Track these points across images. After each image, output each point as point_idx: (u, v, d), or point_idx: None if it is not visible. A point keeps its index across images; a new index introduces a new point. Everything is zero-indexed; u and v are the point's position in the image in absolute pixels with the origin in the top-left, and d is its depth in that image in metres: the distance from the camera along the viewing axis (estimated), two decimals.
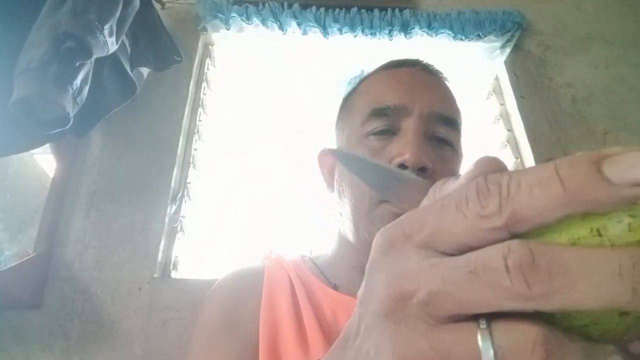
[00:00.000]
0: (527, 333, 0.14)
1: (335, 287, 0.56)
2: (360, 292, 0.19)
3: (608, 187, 0.14)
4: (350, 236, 0.56)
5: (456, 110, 0.60)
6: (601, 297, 0.13)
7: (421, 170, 0.49)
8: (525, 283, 0.14)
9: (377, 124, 0.55)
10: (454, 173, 0.55)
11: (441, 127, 0.55)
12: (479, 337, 0.14)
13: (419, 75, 0.59)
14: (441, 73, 0.63)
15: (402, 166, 0.50)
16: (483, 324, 0.14)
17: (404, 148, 0.50)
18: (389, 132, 0.54)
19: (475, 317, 0.15)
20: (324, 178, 0.65)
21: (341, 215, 0.58)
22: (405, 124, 0.53)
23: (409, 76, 0.59)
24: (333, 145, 0.66)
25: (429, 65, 0.63)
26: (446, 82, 0.63)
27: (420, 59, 0.63)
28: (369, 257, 0.19)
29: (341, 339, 0.21)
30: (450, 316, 0.15)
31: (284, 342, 0.49)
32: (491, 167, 0.17)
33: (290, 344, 0.48)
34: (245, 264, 0.65)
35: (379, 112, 0.55)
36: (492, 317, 0.15)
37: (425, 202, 0.20)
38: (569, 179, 0.14)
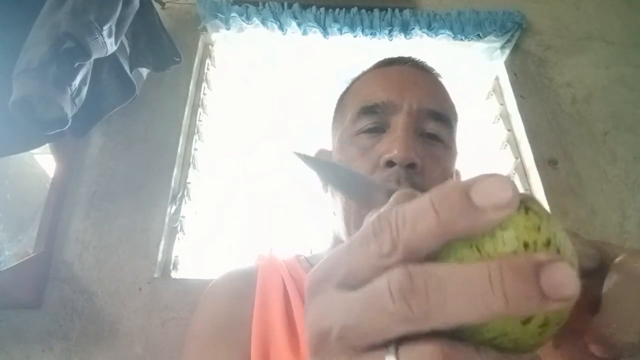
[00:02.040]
0: (427, 351, 0.15)
1: None
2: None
3: (476, 213, 0.15)
4: (342, 234, 0.56)
5: (448, 107, 0.59)
6: (477, 308, 0.14)
7: (410, 167, 0.49)
8: (407, 305, 0.15)
9: (366, 122, 0.54)
10: (445, 169, 0.54)
11: (431, 123, 0.54)
12: None
13: (409, 72, 0.59)
14: (433, 70, 0.63)
15: (391, 163, 0.49)
16: (391, 349, 0.15)
17: (392, 145, 0.50)
18: (379, 130, 0.54)
19: (388, 344, 0.16)
20: (320, 179, 0.65)
21: (334, 215, 0.58)
22: (394, 120, 0.53)
23: (399, 73, 0.59)
24: (329, 146, 0.66)
25: (420, 62, 0.62)
26: (439, 79, 0.62)
27: (413, 56, 0.62)
28: None
29: None
30: (366, 345, 0.16)
31: (275, 345, 0.48)
32: (404, 199, 0.19)
33: (282, 346, 0.47)
34: (239, 265, 0.65)
35: (368, 110, 0.55)
36: (401, 341, 0.16)
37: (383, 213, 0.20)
38: (443, 210, 0.15)
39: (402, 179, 0.48)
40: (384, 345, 0.16)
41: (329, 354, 0.17)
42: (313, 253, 0.66)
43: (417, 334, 0.15)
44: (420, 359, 0.15)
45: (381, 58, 0.64)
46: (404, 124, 0.51)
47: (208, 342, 0.51)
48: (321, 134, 1.31)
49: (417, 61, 0.62)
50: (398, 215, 0.17)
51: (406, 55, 0.64)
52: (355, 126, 0.55)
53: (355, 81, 0.64)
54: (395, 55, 0.63)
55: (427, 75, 0.61)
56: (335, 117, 0.65)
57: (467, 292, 0.14)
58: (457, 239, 0.16)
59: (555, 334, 0.16)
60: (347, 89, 0.65)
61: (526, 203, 0.16)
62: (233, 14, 1.26)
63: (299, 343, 0.48)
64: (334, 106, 0.66)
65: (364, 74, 0.63)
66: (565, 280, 0.14)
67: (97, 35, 0.79)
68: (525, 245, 0.15)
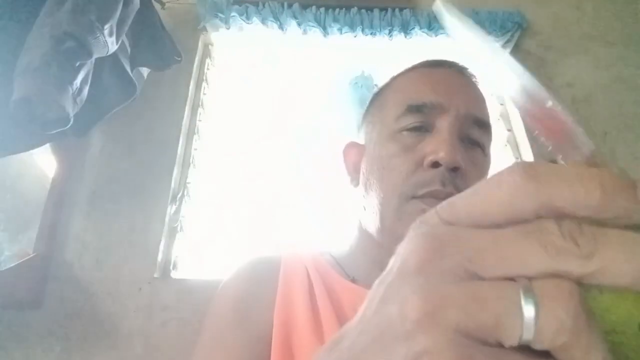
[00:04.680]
0: (566, 286, 0.15)
1: (353, 281, 0.55)
2: (378, 279, 0.19)
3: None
4: (373, 230, 0.55)
5: (489, 115, 0.60)
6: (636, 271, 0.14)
7: (453, 170, 0.49)
8: (575, 243, 0.15)
9: (412, 120, 0.54)
10: (483, 176, 0.55)
11: (475, 130, 0.55)
12: (520, 289, 0.15)
13: (456, 76, 0.60)
14: (475, 76, 0.63)
15: (436, 164, 0.50)
16: (522, 280, 0.15)
17: (439, 146, 0.50)
18: (423, 129, 0.54)
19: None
20: (348, 172, 0.65)
21: (365, 209, 0.57)
22: (440, 122, 0.53)
23: (446, 76, 0.59)
24: (360, 140, 0.66)
25: (466, 67, 0.63)
26: (479, 85, 0.63)
27: (457, 61, 0.63)
28: (391, 252, 0.19)
29: (333, 339, 0.20)
30: (492, 275, 0.16)
31: (298, 333, 0.48)
32: None
33: (306, 335, 0.48)
34: (263, 253, 0.65)
35: (415, 109, 0.55)
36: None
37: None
38: (609, 188, 0.16)
39: (446, 180, 0.49)
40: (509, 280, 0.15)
41: (439, 272, 0.16)
42: (337, 248, 0.65)
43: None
44: (558, 292, 0.15)
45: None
46: (450, 126, 0.52)
47: (226, 323, 0.51)
48: (321, 134, 1.32)
49: (462, 66, 0.62)
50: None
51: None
52: (399, 123, 0.55)
53: (396, 78, 0.64)
54: (440, 58, 0.63)
55: (471, 82, 0.62)
56: (371, 112, 0.64)
57: (631, 254, 0.15)
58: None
59: None
60: (387, 84, 0.65)
61: None
62: (233, 14, 1.26)
63: (322, 331, 0.48)
64: (370, 101, 0.66)
65: (408, 72, 0.63)
66: None
67: (98, 35, 0.79)
68: None
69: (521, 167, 0.17)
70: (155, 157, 1.14)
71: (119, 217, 1.06)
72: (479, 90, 0.62)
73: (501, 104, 1.35)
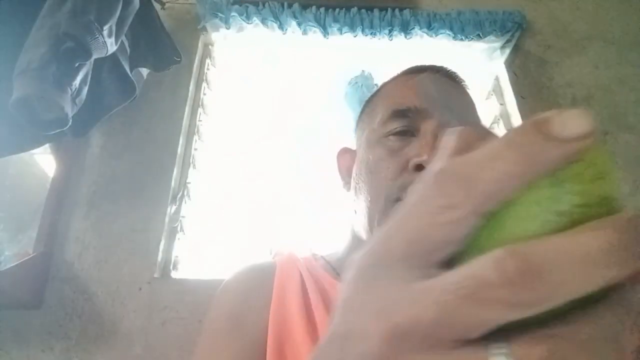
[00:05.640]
0: (540, 347, 0.13)
1: None
2: (336, 323, 0.17)
3: (558, 144, 0.14)
4: (363, 233, 0.56)
5: (478, 117, 0.61)
6: (597, 280, 0.13)
7: None
8: (524, 289, 0.13)
9: (397, 125, 0.56)
10: None
11: None
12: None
13: (441, 81, 0.61)
14: (463, 81, 0.65)
15: (420, 167, 0.50)
16: (498, 348, 0.14)
17: (423, 149, 0.51)
18: (408, 134, 0.55)
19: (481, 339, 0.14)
20: (342, 176, 0.66)
21: (356, 213, 0.58)
22: (425, 126, 0.54)
23: (430, 81, 0.60)
24: (353, 146, 0.67)
25: (452, 72, 0.64)
26: (468, 90, 0.64)
27: (445, 66, 0.64)
28: None
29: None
30: (455, 341, 0.14)
31: (293, 336, 0.49)
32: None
33: (300, 337, 0.48)
34: (256, 260, 0.65)
35: (399, 114, 0.56)
36: (498, 336, 0.14)
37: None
38: (521, 146, 0.14)
39: None
40: (479, 339, 0.14)
41: (407, 356, 0.14)
42: (330, 252, 0.66)
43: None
44: (534, 356, 0.13)
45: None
46: (434, 130, 0.53)
47: (221, 330, 0.52)
48: (321, 134, 1.32)
49: (448, 71, 0.63)
50: (466, 162, 0.15)
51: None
52: (385, 128, 0.57)
53: (385, 85, 0.65)
54: (427, 64, 0.64)
55: (458, 86, 0.63)
56: (362, 119, 0.66)
57: (586, 265, 0.13)
58: (533, 180, 0.14)
59: None
60: (377, 92, 0.66)
61: None
62: (233, 14, 1.26)
63: (317, 335, 0.48)
64: (361, 108, 0.68)
65: (395, 78, 0.65)
66: None
67: (98, 35, 0.79)
68: (601, 177, 0.14)
69: (426, 181, 0.16)
70: (155, 157, 1.14)
71: (119, 217, 1.06)
72: (466, 93, 0.63)
73: (501, 104, 1.35)
